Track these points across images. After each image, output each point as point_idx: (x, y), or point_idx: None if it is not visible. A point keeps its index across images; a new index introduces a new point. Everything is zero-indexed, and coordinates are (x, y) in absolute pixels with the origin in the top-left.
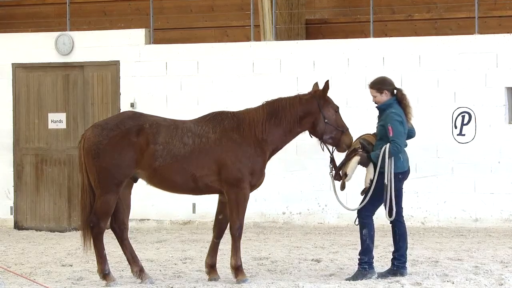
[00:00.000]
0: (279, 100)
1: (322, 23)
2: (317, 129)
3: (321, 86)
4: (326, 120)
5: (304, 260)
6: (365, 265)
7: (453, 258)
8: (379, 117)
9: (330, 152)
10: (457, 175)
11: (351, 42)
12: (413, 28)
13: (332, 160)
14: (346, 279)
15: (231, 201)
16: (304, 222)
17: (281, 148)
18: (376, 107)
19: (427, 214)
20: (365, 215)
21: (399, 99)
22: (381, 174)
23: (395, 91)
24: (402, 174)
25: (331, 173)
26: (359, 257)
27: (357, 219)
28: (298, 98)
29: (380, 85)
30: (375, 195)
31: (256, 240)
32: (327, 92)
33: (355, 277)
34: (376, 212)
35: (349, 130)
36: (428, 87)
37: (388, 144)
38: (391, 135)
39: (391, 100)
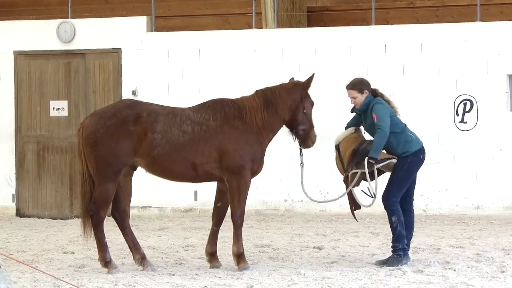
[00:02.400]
0: (268, 89)
1: (323, 10)
2: (297, 118)
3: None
4: (305, 111)
5: (306, 247)
6: (400, 251)
7: (454, 245)
8: (364, 120)
9: (300, 144)
10: (458, 162)
11: (352, 29)
12: (415, 16)
13: (301, 152)
14: (377, 263)
15: (233, 188)
16: (305, 209)
17: (274, 136)
18: (358, 111)
19: (428, 201)
20: (392, 202)
21: (379, 97)
22: (404, 158)
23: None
24: (422, 154)
25: (301, 164)
26: (392, 244)
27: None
28: (284, 87)
29: (361, 85)
30: (399, 180)
31: (257, 228)
32: (311, 84)
33: (391, 263)
34: (377, 199)
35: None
36: (430, 74)
37: (393, 159)
38: (375, 121)
39: (368, 98)
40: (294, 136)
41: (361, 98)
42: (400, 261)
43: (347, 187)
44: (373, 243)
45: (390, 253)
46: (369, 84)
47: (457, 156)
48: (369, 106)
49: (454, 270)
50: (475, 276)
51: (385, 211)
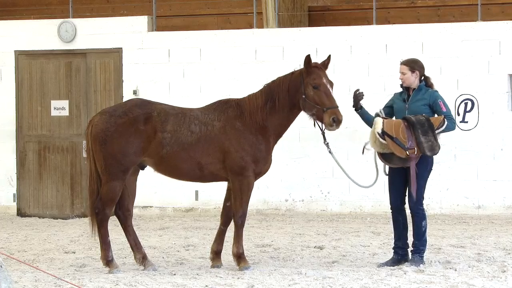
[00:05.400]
0: (275, 81)
1: (325, 10)
2: (299, 106)
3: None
4: (303, 96)
5: (307, 247)
6: (423, 254)
7: (455, 245)
8: (411, 97)
9: (321, 129)
10: (459, 162)
11: (354, 29)
12: (416, 15)
13: (324, 139)
14: (409, 264)
15: (235, 189)
16: (306, 209)
17: (285, 131)
18: (418, 87)
19: (429, 201)
20: (423, 206)
21: (429, 86)
22: (428, 157)
23: (422, 77)
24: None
25: (329, 149)
26: (417, 248)
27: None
28: (290, 75)
29: (414, 64)
30: (425, 181)
31: (259, 227)
32: (306, 67)
33: (416, 262)
34: (375, 199)
35: (335, 109)
36: (431, 74)
37: (444, 118)
38: (444, 110)
39: (421, 83)
40: (314, 123)
41: (409, 76)
42: (422, 261)
43: (413, 162)
44: (374, 242)
45: (385, 253)
46: (423, 68)
47: (458, 155)
48: (423, 89)
49: (455, 270)
50: (476, 275)
51: (414, 215)
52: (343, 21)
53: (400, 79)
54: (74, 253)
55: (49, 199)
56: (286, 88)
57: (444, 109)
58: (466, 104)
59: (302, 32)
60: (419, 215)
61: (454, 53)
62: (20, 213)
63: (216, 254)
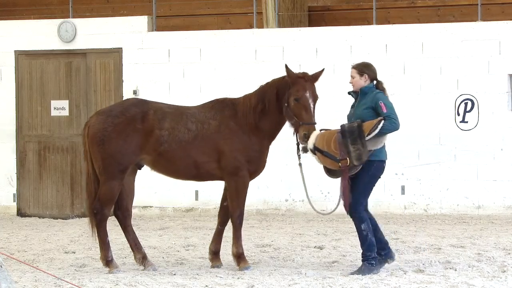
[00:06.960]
0: (268, 83)
1: (325, 10)
2: (283, 112)
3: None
4: (286, 104)
5: (307, 247)
6: (372, 260)
7: (455, 245)
8: (357, 101)
9: (297, 139)
10: (459, 162)
11: (354, 29)
12: (416, 15)
13: (298, 149)
14: (352, 274)
15: (231, 189)
16: (306, 209)
17: (278, 132)
18: (361, 89)
19: (429, 201)
20: (360, 210)
21: (381, 90)
22: (371, 162)
23: (374, 81)
24: (384, 166)
25: (299, 162)
26: (363, 253)
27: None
28: (281, 78)
29: (363, 68)
30: (365, 186)
31: (258, 227)
32: (291, 77)
33: (363, 272)
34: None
35: (310, 125)
36: (431, 74)
37: (382, 120)
38: (384, 111)
39: (371, 86)
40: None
41: (358, 80)
42: (372, 270)
43: (345, 174)
44: None
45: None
46: (373, 72)
47: (458, 155)
48: (369, 91)
49: (455, 270)
50: (476, 275)
51: (353, 220)
52: (343, 21)
53: (350, 83)
54: (74, 253)
55: (49, 199)
56: (275, 92)
57: (384, 110)
58: (466, 104)
59: (302, 32)
60: (357, 219)
61: (454, 53)
62: (20, 213)
63: (214, 254)
